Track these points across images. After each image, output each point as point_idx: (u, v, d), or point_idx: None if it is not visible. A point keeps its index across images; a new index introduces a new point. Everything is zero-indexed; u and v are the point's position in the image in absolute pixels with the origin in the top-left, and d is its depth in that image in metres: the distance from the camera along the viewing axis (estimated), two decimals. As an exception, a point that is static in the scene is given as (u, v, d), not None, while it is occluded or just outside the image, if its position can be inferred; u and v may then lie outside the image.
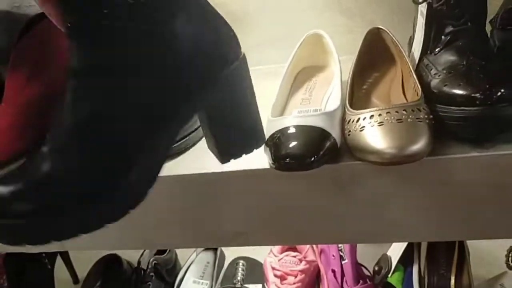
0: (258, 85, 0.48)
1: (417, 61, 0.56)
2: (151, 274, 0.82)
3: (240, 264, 0.86)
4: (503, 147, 0.46)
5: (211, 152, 0.49)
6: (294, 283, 0.76)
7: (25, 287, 0.84)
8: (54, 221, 0.40)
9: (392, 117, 0.46)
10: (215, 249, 0.92)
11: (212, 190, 0.54)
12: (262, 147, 0.50)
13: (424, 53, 0.55)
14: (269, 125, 0.51)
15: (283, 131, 0.48)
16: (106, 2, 0.38)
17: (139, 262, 0.84)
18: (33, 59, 0.70)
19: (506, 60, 0.53)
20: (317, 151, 0.46)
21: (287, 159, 0.46)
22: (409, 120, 0.45)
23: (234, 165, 0.50)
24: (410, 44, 0.63)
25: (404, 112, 0.46)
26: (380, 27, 0.60)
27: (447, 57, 0.51)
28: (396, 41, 0.58)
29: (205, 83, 0.44)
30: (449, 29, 0.52)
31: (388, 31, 0.59)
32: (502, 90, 0.44)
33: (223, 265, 0.91)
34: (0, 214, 0.40)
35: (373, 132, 0.45)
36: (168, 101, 0.42)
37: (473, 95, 0.45)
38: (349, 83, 0.57)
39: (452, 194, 0.48)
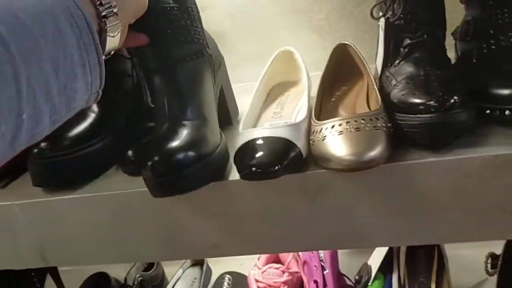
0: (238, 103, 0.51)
1: (379, 73, 0.58)
2: (137, 289, 0.83)
3: (226, 278, 0.87)
4: (459, 152, 0.48)
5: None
6: (277, 294, 0.78)
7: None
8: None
9: (351, 126, 0.48)
10: (201, 265, 0.93)
11: (184, 203, 0.56)
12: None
13: (385, 65, 0.57)
14: (239, 138, 0.53)
15: (250, 143, 0.50)
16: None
17: (125, 279, 0.86)
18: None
19: (464, 69, 0.56)
20: (281, 161, 0.48)
21: (253, 168, 0.48)
22: (366, 128, 0.48)
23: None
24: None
25: (363, 121, 0.48)
26: (346, 42, 0.63)
27: (406, 69, 0.54)
28: (361, 56, 0.61)
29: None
30: (406, 42, 0.55)
31: (353, 46, 0.62)
32: (456, 97, 0.47)
33: (209, 280, 0.92)
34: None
35: (334, 141, 0.48)
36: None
37: (427, 102, 0.47)
38: (317, 96, 0.59)
39: (414, 199, 0.50)
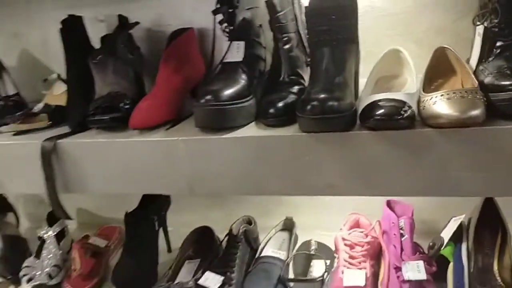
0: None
1: (474, 68, 0.75)
2: (241, 237, 1.00)
3: (313, 242, 1.03)
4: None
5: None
6: (361, 251, 0.92)
7: (137, 240, 1.04)
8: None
9: (457, 95, 0.65)
10: (291, 230, 1.09)
11: (315, 147, 0.73)
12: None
13: (480, 61, 0.74)
14: (362, 102, 0.71)
15: (375, 102, 0.68)
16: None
17: (231, 229, 1.03)
18: (175, 60, 0.95)
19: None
20: (401, 114, 0.65)
21: (378, 117, 0.65)
22: (469, 97, 0.65)
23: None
24: (467, 61, 0.83)
25: (465, 93, 0.65)
26: (445, 46, 0.81)
27: (498, 63, 0.71)
28: (457, 54, 0.79)
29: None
30: (499, 43, 0.72)
31: (451, 48, 0.80)
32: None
33: (296, 243, 1.08)
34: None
35: (443, 104, 0.65)
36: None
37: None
38: (421, 86, 0.77)
39: (502, 158, 0.66)
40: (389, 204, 0.98)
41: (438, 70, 0.81)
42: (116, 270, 1.02)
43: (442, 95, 0.66)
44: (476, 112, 0.63)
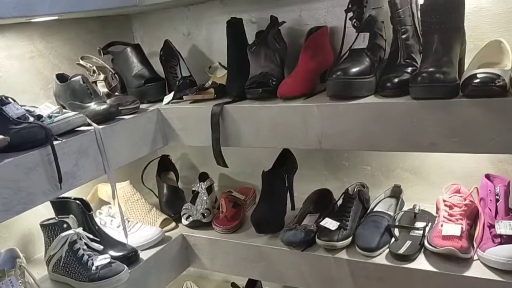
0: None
1: None
2: (356, 195, 1.22)
3: (417, 206, 1.21)
4: None
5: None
6: (459, 211, 1.09)
7: (271, 192, 1.31)
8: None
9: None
10: (398, 197, 1.28)
11: (419, 113, 0.93)
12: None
13: None
14: (463, 77, 0.90)
15: (473, 74, 0.87)
16: None
17: (347, 189, 1.26)
18: (312, 50, 1.21)
19: None
20: (495, 83, 0.84)
21: (476, 84, 0.85)
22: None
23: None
24: None
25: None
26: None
27: None
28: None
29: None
30: None
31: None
32: None
33: (402, 207, 1.27)
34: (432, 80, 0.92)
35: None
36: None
37: None
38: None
39: None
40: (487, 176, 1.13)
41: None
42: (254, 213, 1.31)
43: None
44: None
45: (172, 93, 1.32)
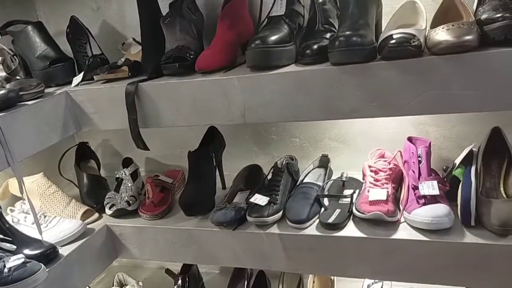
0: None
1: (474, 10, 0.91)
2: (284, 168, 1.19)
3: (344, 174, 1.21)
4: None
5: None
6: (384, 176, 1.09)
7: (198, 172, 1.26)
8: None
9: (455, 26, 0.82)
10: (326, 167, 1.28)
11: (338, 79, 0.91)
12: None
13: (478, 4, 0.90)
14: (380, 39, 0.89)
15: (389, 35, 0.86)
16: None
17: (276, 163, 1.23)
18: (230, 19, 1.15)
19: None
20: (410, 41, 0.83)
21: (391, 45, 0.83)
22: (465, 27, 0.81)
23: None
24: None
25: (462, 24, 0.82)
26: (453, -5, 0.97)
27: (492, 3, 0.86)
28: (463, 2, 0.94)
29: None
30: (493, -10, 0.88)
31: (457, -3, 0.96)
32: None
33: (331, 176, 1.26)
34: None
35: (443, 32, 0.82)
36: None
37: (504, 15, 0.80)
38: (429, 26, 0.93)
39: (495, 78, 0.81)
40: (410, 139, 1.14)
41: (447, 16, 0.97)
42: (182, 196, 1.24)
43: (443, 27, 0.83)
44: (469, 37, 0.80)
45: (82, 73, 1.21)
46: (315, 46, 0.97)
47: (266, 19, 1.06)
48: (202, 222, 1.19)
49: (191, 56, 1.10)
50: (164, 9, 1.24)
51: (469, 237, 0.95)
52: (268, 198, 1.13)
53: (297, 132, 1.39)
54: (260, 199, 1.13)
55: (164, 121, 1.11)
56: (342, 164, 1.33)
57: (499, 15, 0.82)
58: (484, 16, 0.85)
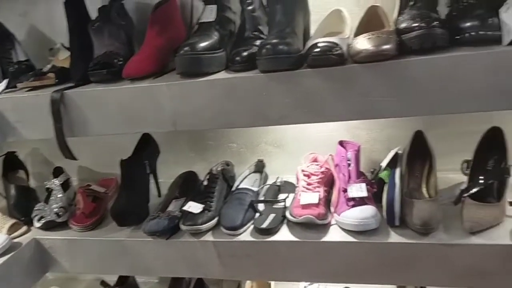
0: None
1: (395, 18, 0.95)
2: (219, 175, 1.19)
3: (279, 179, 1.22)
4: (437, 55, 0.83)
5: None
6: (316, 180, 1.12)
7: (131, 181, 1.23)
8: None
9: (375, 36, 0.85)
10: (261, 172, 1.29)
11: (267, 86, 0.92)
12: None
13: (398, 14, 0.94)
14: (309, 43, 0.90)
15: (314, 43, 0.88)
16: None
17: (211, 169, 1.22)
18: (160, 24, 1.13)
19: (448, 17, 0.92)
20: (334, 51, 0.85)
21: (315, 53, 0.85)
22: (384, 36, 0.84)
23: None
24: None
25: (382, 34, 0.85)
26: (376, 4, 1.00)
27: (411, 13, 0.90)
28: (385, 12, 0.98)
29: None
30: (412, -1, 0.92)
31: (380, 6, 0.99)
32: (435, 22, 0.84)
33: (266, 181, 1.27)
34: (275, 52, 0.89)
35: (364, 42, 0.84)
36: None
37: (420, 25, 0.84)
38: (352, 35, 0.96)
39: (413, 85, 0.85)
40: (341, 143, 1.17)
41: (370, 25, 1.00)
42: (114, 206, 1.21)
43: (364, 36, 0.86)
44: (388, 46, 0.83)
45: (5, 81, 1.15)
46: (245, 53, 0.98)
47: (197, 25, 1.05)
48: (135, 233, 1.17)
49: (120, 62, 1.07)
50: (94, 14, 1.20)
51: (394, 237, 0.99)
52: (202, 206, 1.12)
53: (234, 137, 1.39)
54: (194, 207, 1.12)
55: (91, 129, 1.07)
56: (279, 169, 1.35)
57: (416, 24, 0.85)
58: (402, 26, 0.88)
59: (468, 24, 0.85)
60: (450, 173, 1.16)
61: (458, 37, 0.86)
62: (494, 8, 0.87)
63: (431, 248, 0.96)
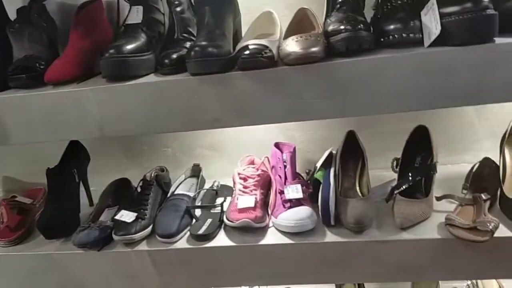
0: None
1: (324, 20, 0.96)
2: (153, 181, 1.15)
3: (216, 183, 1.20)
4: (362, 57, 0.85)
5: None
6: (252, 183, 1.11)
7: (59, 190, 1.16)
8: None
9: (303, 38, 0.85)
10: (198, 176, 1.26)
11: (198, 89, 0.90)
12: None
13: (326, 16, 0.96)
14: (239, 45, 0.89)
15: (244, 46, 0.87)
16: None
17: (144, 176, 1.18)
18: (84, 26, 1.08)
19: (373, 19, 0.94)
20: (263, 53, 0.84)
21: (245, 56, 0.84)
22: (312, 39, 0.85)
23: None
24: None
25: (310, 36, 0.86)
26: (305, 7, 1.01)
27: (338, 15, 0.91)
28: (314, 14, 0.99)
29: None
30: (339, 1, 0.93)
31: (309, 8, 1.00)
32: (361, 25, 0.85)
33: (203, 185, 1.25)
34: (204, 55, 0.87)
35: (293, 44, 0.84)
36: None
37: (346, 27, 0.85)
38: (282, 37, 0.96)
39: (342, 86, 0.86)
40: (276, 145, 1.18)
41: (300, 26, 1.01)
42: (40, 217, 1.14)
43: (292, 39, 0.86)
44: (315, 48, 0.83)
45: None
46: (174, 56, 0.95)
47: (123, 27, 1.01)
48: (64, 245, 1.10)
49: (42, 67, 1.01)
50: (14, 15, 1.13)
51: (330, 237, 1.00)
52: (135, 214, 1.08)
53: (169, 141, 1.36)
54: (126, 216, 1.08)
55: (12, 138, 1.00)
56: (216, 173, 1.33)
57: (342, 27, 0.86)
58: (330, 28, 0.89)
59: (391, 27, 0.87)
60: (383, 171, 1.20)
61: (382, 39, 0.88)
62: (417, 11, 0.90)
63: (364, 246, 0.99)
